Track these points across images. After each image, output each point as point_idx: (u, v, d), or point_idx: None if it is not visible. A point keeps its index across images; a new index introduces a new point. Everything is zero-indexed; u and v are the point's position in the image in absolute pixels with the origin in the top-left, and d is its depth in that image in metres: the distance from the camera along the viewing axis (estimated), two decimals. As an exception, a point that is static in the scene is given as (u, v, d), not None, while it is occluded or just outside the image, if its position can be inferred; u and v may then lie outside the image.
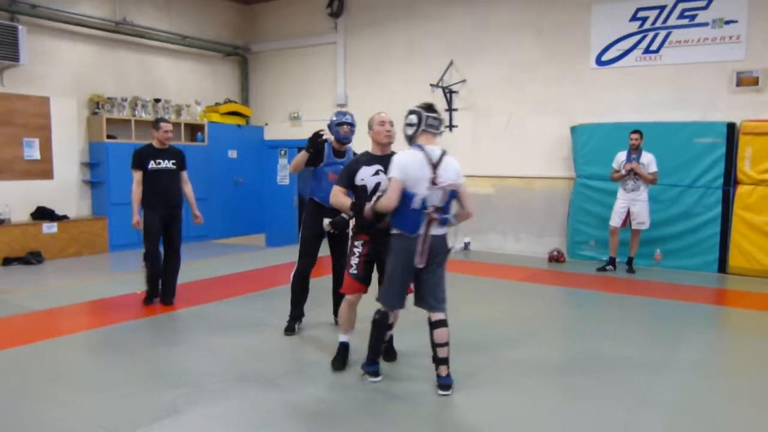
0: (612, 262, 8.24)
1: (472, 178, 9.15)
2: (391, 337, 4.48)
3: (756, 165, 7.84)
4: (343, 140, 5.18)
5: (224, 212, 11.56)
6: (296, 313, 5.34)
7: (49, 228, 9.20)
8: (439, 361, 3.97)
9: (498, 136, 9.80)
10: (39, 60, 9.26)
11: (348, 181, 4.22)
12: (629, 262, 8.16)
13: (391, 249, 3.97)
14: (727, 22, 8.35)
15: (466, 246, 9.96)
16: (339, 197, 4.25)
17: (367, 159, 4.27)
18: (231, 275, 7.91)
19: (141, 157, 6.10)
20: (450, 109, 10.16)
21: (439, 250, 3.93)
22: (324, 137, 5.10)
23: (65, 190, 9.75)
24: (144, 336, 5.29)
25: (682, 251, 8.31)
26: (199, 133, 11.28)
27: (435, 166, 3.85)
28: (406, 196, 3.84)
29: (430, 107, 4.02)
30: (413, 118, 3.98)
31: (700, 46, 8.54)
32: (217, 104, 11.90)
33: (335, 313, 5.33)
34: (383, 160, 4.18)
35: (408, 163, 3.84)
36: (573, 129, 9.07)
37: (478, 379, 4.22)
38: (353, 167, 4.24)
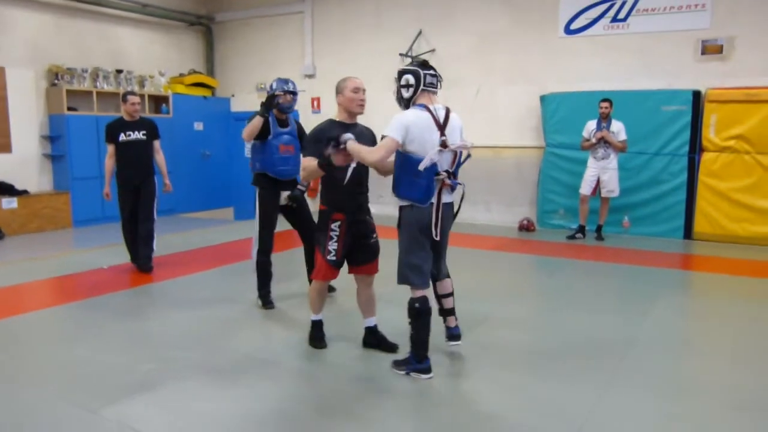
0: (581, 230, 8.34)
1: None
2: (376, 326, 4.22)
3: (720, 132, 7.97)
4: (286, 109, 5.07)
5: (191, 186, 11.34)
6: (266, 291, 5.24)
7: (9, 203, 8.93)
8: (447, 312, 3.97)
9: (468, 106, 9.76)
10: (-8, 29, 8.89)
11: (316, 150, 3.77)
12: (598, 229, 8.27)
13: (403, 223, 3.63)
14: (693, -9, 8.40)
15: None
16: (306, 164, 3.84)
17: (335, 128, 3.83)
18: (200, 249, 7.80)
19: (112, 130, 6.33)
20: (420, 79, 10.07)
21: (448, 217, 3.71)
22: (279, 100, 4.94)
23: (25, 164, 9.46)
24: (113, 311, 5.16)
25: (649, 218, 8.45)
26: (164, 105, 11.01)
27: (442, 126, 3.57)
28: (411, 161, 3.49)
29: (425, 64, 3.68)
30: (410, 78, 3.60)
31: (666, 15, 8.59)
32: (181, 75, 11.62)
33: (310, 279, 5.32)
34: (351, 129, 3.85)
35: (412, 123, 3.47)
36: (542, 98, 9.08)
37: (460, 360, 4.23)
38: (320, 136, 3.78)
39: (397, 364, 3.79)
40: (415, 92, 3.61)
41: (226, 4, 12.16)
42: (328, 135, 3.72)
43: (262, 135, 4.98)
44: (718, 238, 8.04)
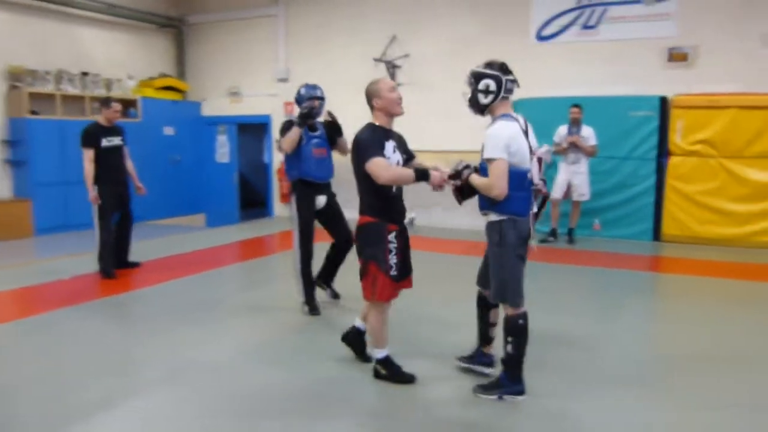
0: (553, 233, 8.45)
1: (417, 153, 9.13)
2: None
3: (687, 137, 8.16)
4: (315, 116, 5.12)
5: (161, 192, 11.11)
6: (312, 295, 5.21)
7: (-33, 211, 8.63)
8: (491, 340, 3.87)
9: (442, 110, 9.80)
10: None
11: (380, 151, 3.51)
12: (570, 232, 8.39)
13: (506, 240, 3.39)
14: (659, 0, 8.59)
15: (412, 221, 10.00)
16: (393, 168, 3.52)
17: (383, 132, 3.62)
18: (171, 257, 7.67)
19: (94, 134, 6.32)
20: (392, 84, 10.10)
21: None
22: (315, 111, 5.04)
23: (-18, 169, 9.17)
24: (76, 324, 4.97)
25: (619, 221, 8.61)
26: (132, 109, 10.83)
27: (527, 134, 3.43)
28: (519, 175, 3.34)
29: (504, 68, 3.45)
30: (491, 84, 3.39)
31: (634, 23, 8.77)
32: (151, 78, 11.44)
33: (318, 281, 5.41)
34: (394, 135, 3.70)
35: (511, 138, 3.30)
36: (515, 103, 9.14)
37: (439, 367, 4.24)
38: (380, 139, 3.55)
39: (486, 389, 3.56)
40: (494, 99, 3.42)
41: (198, 5, 12.03)
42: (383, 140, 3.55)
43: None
44: (685, 240, 8.21)
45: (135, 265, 6.85)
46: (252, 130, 12.86)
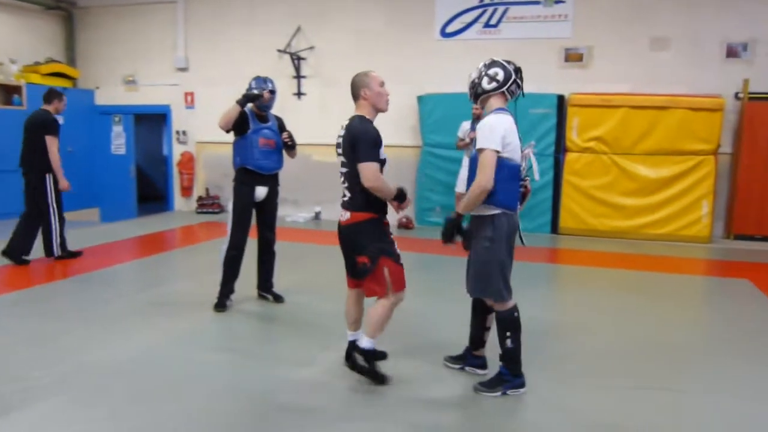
0: (457, 227, 8.60)
1: (321, 147, 9.08)
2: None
3: (582, 134, 8.57)
4: (264, 108, 5.02)
5: (50, 184, 10.47)
6: (228, 289, 5.04)
7: None
8: (483, 344, 3.84)
9: (346, 104, 9.73)
10: None
11: (378, 155, 3.48)
12: (473, 226, 8.57)
13: (497, 233, 3.38)
14: (557, 2, 8.95)
15: (317, 215, 9.91)
16: (382, 179, 3.47)
17: (376, 131, 3.56)
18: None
19: (58, 124, 6.58)
20: (298, 76, 9.95)
21: None
22: (263, 100, 4.92)
23: None
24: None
25: (520, 214, 8.86)
26: (16, 96, 10.05)
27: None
28: (511, 168, 3.35)
29: (519, 70, 3.50)
30: (499, 73, 3.44)
31: (533, 23, 9.08)
32: (37, 63, 10.66)
33: (260, 287, 5.30)
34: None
35: (507, 130, 3.32)
36: (420, 98, 9.28)
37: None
38: (378, 137, 3.51)
39: (487, 386, 3.53)
40: (496, 89, 3.45)
41: (88, -12, 11.34)
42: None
43: (242, 130, 4.91)
44: (581, 232, 8.63)
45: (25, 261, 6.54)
46: (150, 121, 12.29)
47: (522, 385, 3.53)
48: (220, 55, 10.36)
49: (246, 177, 5.00)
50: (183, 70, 10.81)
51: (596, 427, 3.21)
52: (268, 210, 5.19)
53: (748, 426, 3.27)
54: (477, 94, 3.53)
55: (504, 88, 3.45)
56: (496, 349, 3.61)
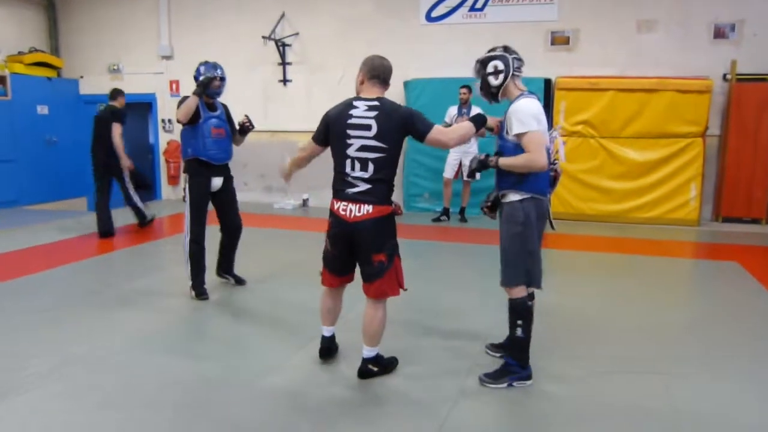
0: (446, 212, 8.60)
1: (307, 134, 8.97)
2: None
3: (569, 117, 8.53)
4: (215, 95, 4.92)
5: (36, 175, 10.35)
6: (201, 280, 5.00)
7: None
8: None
9: (332, 90, 9.68)
10: None
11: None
12: (462, 211, 8.57)
13: (528, 219, 3.31)
14: (543, -16, 8.88)
15: (305, 202, 9.86)
16: (452, 129, 3.44)
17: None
18: (53, 243, 7.15)
19: (124, 114, 7.38)
20: (283, 63, 9.86)
21: None
22: (215, 90, 4.85)
23: None
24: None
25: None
26: (0, 86, 9.94)
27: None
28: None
29: (508, 48, 3.43)
30: (499, 64, 3.36)
31: (519, 6, 9.03)
32: (20, 53, 10.53)
33: (223, 269, 5.30)
34: None
35: (539, 112, 3.27)
36: (406, 83, 9.22)
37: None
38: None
39: (494, 377, 3.45)
40: (505, 79, 3.36)
41: (70, -24, 11.18)
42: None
43: (193, 119, 4.80)
44: (570, 217, 8.60)
45: None
46: (136, 110, 12.10)
47: (529, 377, 3.46)
48: (204, 43, 10.24)
49: (200, 168, 4.90)
50: (168, 58, 10.71)
51: (584, 410, 3.21)
52: (226, 198, 5.10)
53: (739, 407, 3.28)
54: (493, 93, 3.44)
55: (511, 72, 3.37)
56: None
